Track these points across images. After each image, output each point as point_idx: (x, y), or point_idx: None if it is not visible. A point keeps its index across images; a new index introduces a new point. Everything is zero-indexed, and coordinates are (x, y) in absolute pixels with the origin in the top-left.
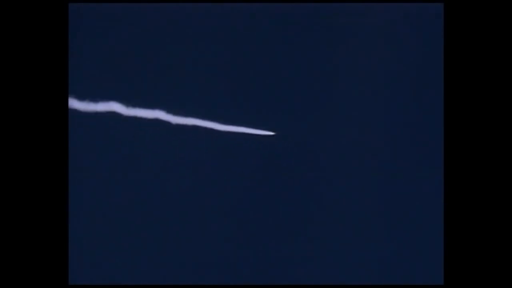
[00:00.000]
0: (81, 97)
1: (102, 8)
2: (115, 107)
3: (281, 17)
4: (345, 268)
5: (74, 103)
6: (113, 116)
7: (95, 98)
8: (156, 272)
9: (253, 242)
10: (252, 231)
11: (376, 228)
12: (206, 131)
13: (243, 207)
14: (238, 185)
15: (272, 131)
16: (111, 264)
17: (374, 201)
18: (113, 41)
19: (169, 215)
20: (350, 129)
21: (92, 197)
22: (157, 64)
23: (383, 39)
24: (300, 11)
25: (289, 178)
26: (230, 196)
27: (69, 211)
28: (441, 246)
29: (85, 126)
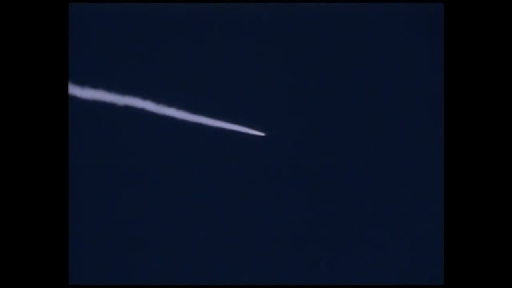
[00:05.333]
0: (81, 97)
1: (102, 8)
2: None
3: (280, 17)
4: (346, 268)
5: (74, 102)
6: (112, 115)
7: (94, 100)
8: (156, 272)
9: (245, 243)
10: (239, 231)
11: (376, 229)
12: (196, 126)
13: (233, 206)
14: (225, 184)
15: (263, 132)
16: (111, 264)
17: (374, 202)
18: (113, 41)
19: (168, 215)
20: (346, 131)
21: (92, 197)
22: (157, 62)
23: (383, 39)
24: (300, 11)
25: (275, 179)
26: (218, 194)
27: (69, 211)
28: (441, 246)
29: (84, 128)
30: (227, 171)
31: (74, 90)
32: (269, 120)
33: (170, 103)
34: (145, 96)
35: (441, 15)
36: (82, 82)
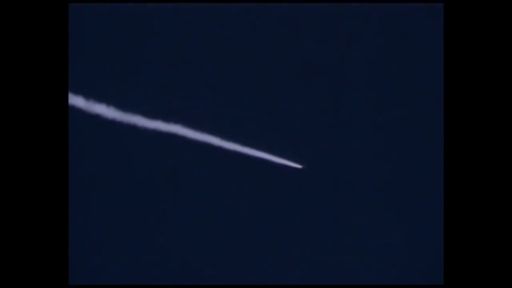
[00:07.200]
0: (81, 97)
1: (102, 8)
2: (115, 112)
3: (280, 17)
4: (346, 268)
5: (74, 103)
6: (115, 120)
7: (95, 99)
8: (156, 272)
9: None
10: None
11: (376, 229)
12: (232, 153)
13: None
14: (254, 213)
15: (300, 164)
16: (111, 264)
17: (376, 203)
18: (113, 41)
19: (170, 215)
20: (347, 133)
21: (92, 197)
22: (163, 69)
23: (383, 39)
24: (299, 11)
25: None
26: (242, 220)
27: (69, 211)
28: (441, 246)
29: (85, 127)
30: (256, 202)
31: (74, 90)
32: (307, 152)
33: (194, 124)
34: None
35: (441, 15)
36: (82, 83)
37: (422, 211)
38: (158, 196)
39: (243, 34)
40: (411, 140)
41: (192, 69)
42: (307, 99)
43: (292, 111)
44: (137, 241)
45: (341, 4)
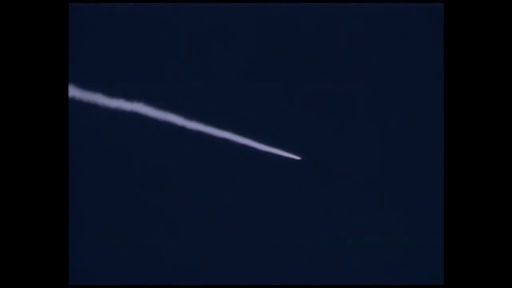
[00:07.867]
0: (81, 97)
1: (102, 8)
2: (121, 103)
3: (280, 17)
4: (346, 268)
5: (74, 103)
6: (118, 118)
7: (94, 99)
8: (156, 272)
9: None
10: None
11: (376, 229)
12: (236, 145)
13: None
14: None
15: (299, 156)
16: (111, 264)
17: (375, 202)
18: (113, 41)
19: (170, 215)
20: (347, 135)
21: (92, 197)
22: (163, 69)
23: (383, 39)
24: (299, 11)
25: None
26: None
27: (69, 210)
28: (441, 246)
29: (84, 126)
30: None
31: (74, 90)
32: (306, 143)
33: (192, 114)
34: (152, 103)
35: (441, 15)
36: (82, 82)
37: (422, 211)
38: (151, 189)
39: (242, 34)
40: (410, 139)
41: (191, 69)
42: (306, 97)
43: (291, 107)
44: (137, 241)
45: (341, 4)
